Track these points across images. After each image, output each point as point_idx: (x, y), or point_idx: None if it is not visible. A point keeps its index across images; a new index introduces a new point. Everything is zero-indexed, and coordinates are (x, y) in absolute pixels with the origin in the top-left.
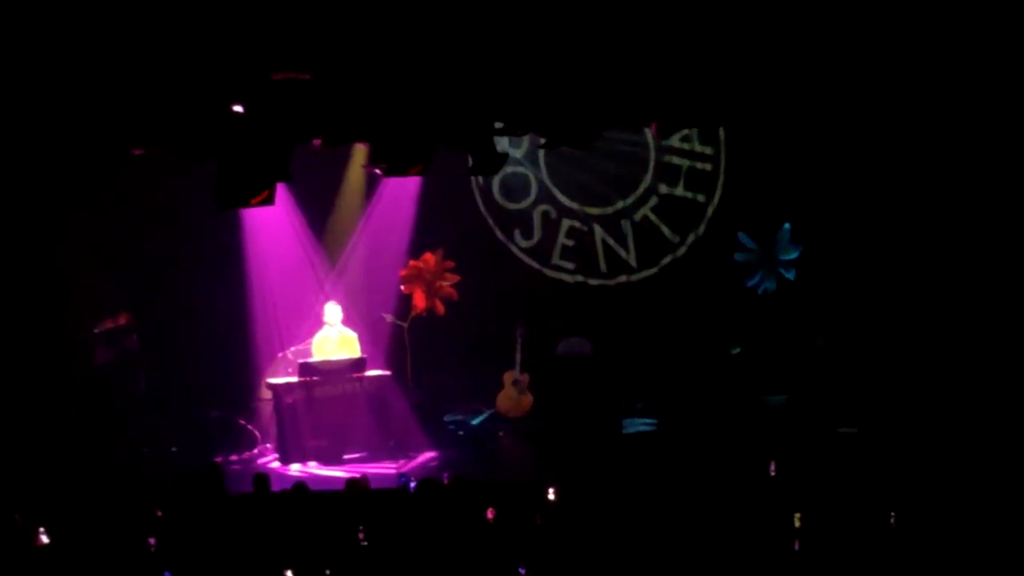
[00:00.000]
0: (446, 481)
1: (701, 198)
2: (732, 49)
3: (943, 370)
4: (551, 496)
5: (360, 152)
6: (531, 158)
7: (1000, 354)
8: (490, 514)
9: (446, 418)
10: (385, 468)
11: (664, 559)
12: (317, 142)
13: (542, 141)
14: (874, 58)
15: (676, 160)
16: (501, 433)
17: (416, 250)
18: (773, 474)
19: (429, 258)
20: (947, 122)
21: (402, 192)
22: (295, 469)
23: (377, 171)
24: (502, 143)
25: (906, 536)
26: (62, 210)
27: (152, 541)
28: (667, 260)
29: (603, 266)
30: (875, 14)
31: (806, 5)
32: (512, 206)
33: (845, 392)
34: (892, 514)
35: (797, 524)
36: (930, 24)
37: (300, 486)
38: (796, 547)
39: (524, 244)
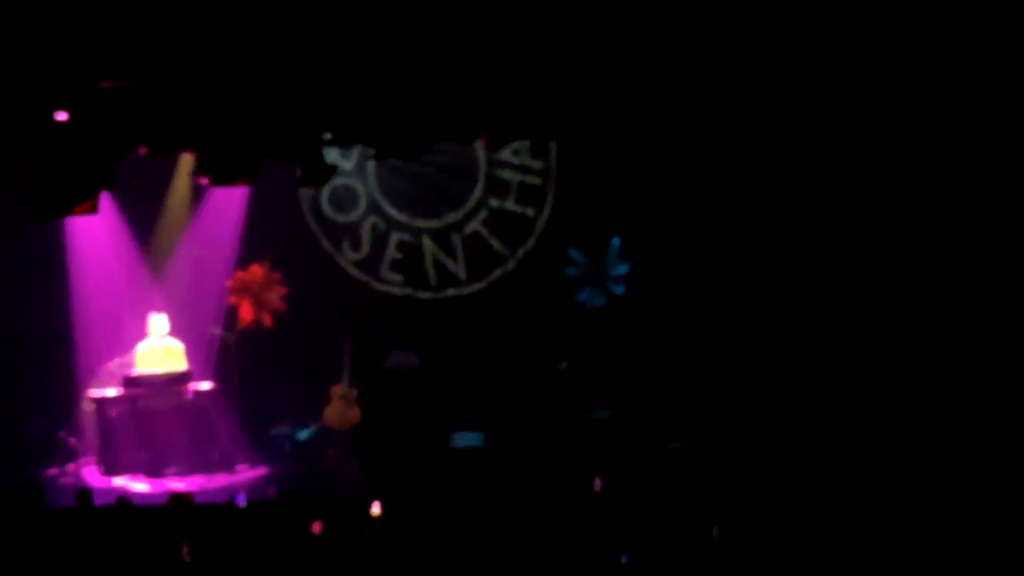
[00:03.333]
0: (272, 496)
1: (531, 212)
2: (562, 64)
3: (772, 384)
4: (376, 511)
5: (187, 161)
6: (360, 170)
7: (830, 366)
8: (317, 529)
9: (273, 432)
10: (210, 482)
11: (490, 573)
12: (143, 151)
13: (372, 153)
14: (700, 73)
15: (506, 174)
16: (328, 447)
17: (243, 261)
18: (599, 490)
19: (256, 270)
20: (767, 132)
21: (229, 202)
22: (118, 483)
23: (204, 181)
24: (331, 154)
25: (731, 550)
26: None
27: None
28: (497, 274)
29: (432, 280)
30: (702, 29)
31: (634, 21)
32: (341, 218)
33: (673, 407)
34: (715, 528)
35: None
36: (759, 32)
37: (123, 501)
38: (623, 561)
39: (353, 257)
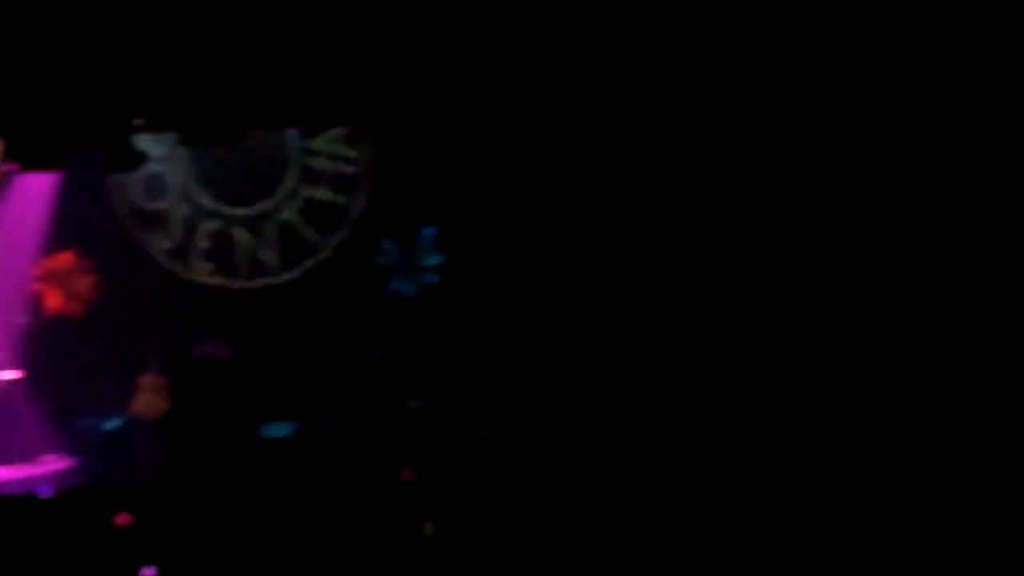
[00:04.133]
0: (78, 486)
1: (345, 201)
2: (378, 52)
3: (584, 371)
4: (188, 500)
5: None
6: (172, 157)
7: (649, 357)
8: (123, 520)
9: (79, 422)
10: (15, 473)
11: (301, 561)
12: None
13: (183, 139)
14: (514, 64)
15: (320, 162)
16: (138, 437)
17: (52, 249)
18: (410, 478)
19: (64, 257)
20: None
21: (37, 188)
22: None
23: (12, 167)
24: (142, 141)
25: (538, 536)
26: None
27: None
28: (310, 263)
29: (245, 269)
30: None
31: (449, 10)
32: (152, 206)
33: (485, 397)
34: (522, 517)
35: (430, 531)
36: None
37: None
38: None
39: (164, 245)
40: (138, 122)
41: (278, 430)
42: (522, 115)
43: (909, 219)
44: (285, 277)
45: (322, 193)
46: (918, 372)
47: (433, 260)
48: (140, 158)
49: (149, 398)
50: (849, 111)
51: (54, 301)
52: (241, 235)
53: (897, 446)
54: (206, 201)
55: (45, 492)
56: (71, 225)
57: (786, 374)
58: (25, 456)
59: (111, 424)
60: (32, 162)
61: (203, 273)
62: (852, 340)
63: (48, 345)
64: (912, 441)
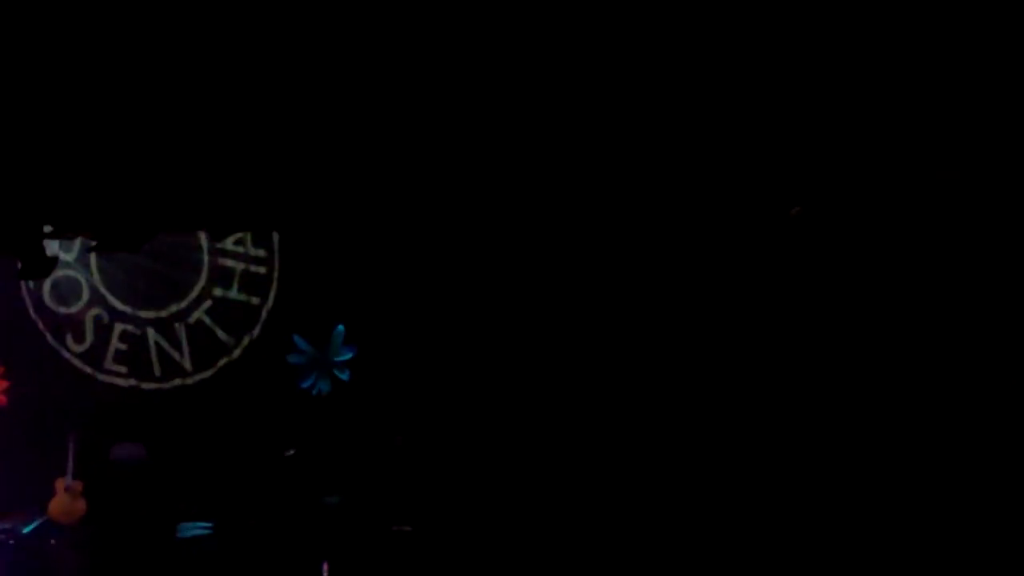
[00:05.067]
0: None
1: (255, 300)
2: (280, 157)
3: (496, 463)
4: None
5: None
6: (83, 261)
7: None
8: None
9: None
10: None
11: None
12: None
13: (93, 244)
14: (412, 158)
15: (230, 262)
16: (53, 541)
17: None
18: (327, 574)
19: None
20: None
21: None
22: None
23: None
24: (52, 246)
25: None
26: None
27: None
28: (223, 362)
29: (157, 370)
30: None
31: (346, 116)
32: (63, 310)
33: (401, 491)
34: None
35: None
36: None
37: None
38: None
39: (76, 348)
40: (47, 228)
41: (195, 529)
42: (430, 210)
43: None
44: (198, 377)
45: (233, 293)
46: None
47: (344, 356)
48: (51, 263)
49: (66, 501)
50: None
51: None
52: (154, 337)
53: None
54: (118, 304)
55: None
56: None
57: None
58: None
59: (28, 528)
60: None
61: (116, 376)
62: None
63: None
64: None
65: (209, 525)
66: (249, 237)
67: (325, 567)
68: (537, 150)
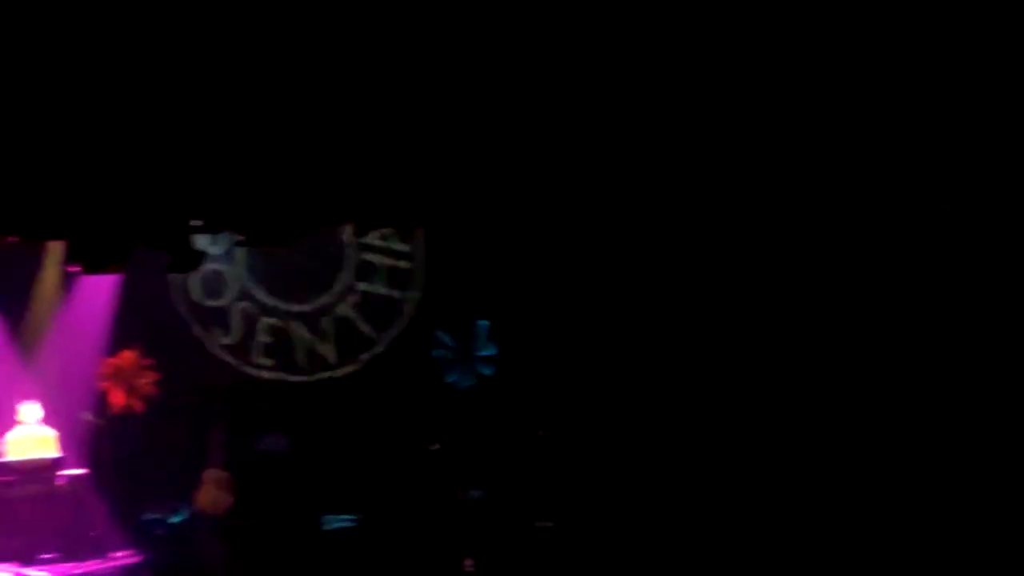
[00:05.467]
0: None
1: (400, 295)
2: (428, 152)
3: (640, 460)
4: None
5: (56, 248)
6: (230, 255)
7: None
8: None
9: (145, 517)
10: (83, 569)
11: None
12: (13, 238)
13: (241, 239)
14: (561, 159)
15: (375, 257)
16: (201, 531)
17: (114, 347)
18: (470, 570)
19: (127, 355)
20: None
21: (100, 288)
22: None
23: (75, 269)
24: (201, 240)
25: None
26: None
27: None
28: (366, 357)
29: (303, 363)
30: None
31: (493, 112)
32: (211, 303)
33: (543, 486)
34: None
35: None
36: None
37: None
38: None
39: (224, 341)
40: (196, 223)
41: (339, 522)
42: (576, 208)
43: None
44: (343, 371)
45: (377, 288)
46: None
47: (487, 352)
48: (199, 257)
49: (212, 493)
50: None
51: (118, 398)
52: (299, 330)
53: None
54: (264, 298)
55: None
56: (133, 324)
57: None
58: (92, 551)
59: (176, 519)
60: (94, 264)
61: (263, 368)
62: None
63: (113, 442)
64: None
65: (353, 518)
66: (394, 233)
67: (468, 562)
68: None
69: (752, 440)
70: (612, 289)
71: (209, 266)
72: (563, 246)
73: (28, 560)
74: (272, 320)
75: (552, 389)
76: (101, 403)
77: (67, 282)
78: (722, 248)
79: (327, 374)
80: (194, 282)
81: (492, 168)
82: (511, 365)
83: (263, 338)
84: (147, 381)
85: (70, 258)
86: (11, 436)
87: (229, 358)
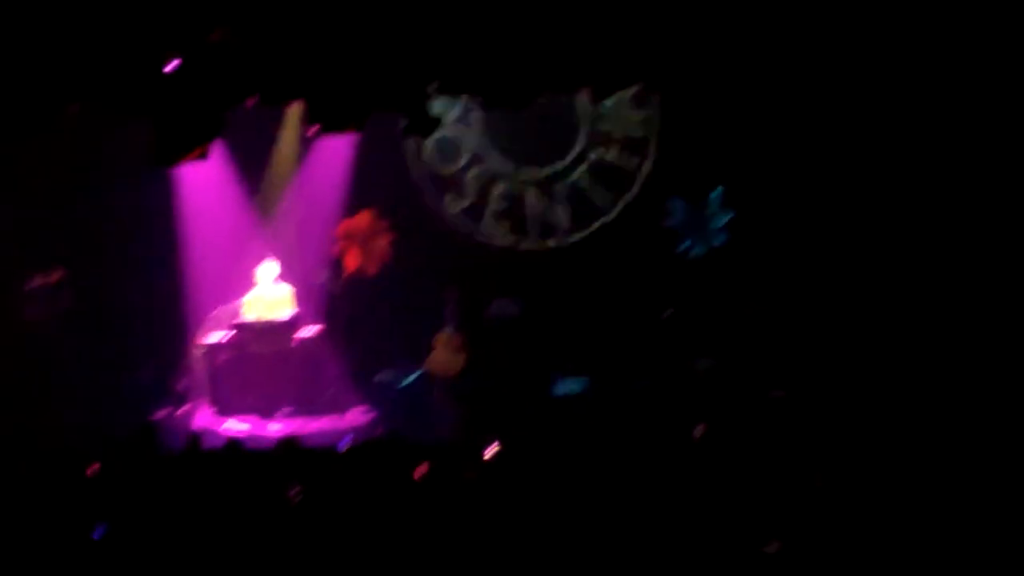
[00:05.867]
0: (378, 439)
1: (633, 162)
2: (666, 14)
3: (874, 334)
4: (486, 454)
5: (295, 111)
6: (465, 120)
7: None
8: (420, 472)
9: (378, 377)
10: (318, 426)
11: (591, 517)
12: (252, 101)
13: (477, 103)
14: (807, 20)
15: (610, 125)
16: (432, 393)
17: (350, 209)
18: (699, 437)
19: (363, 218)
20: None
21: (336, 151)
22: (228, 427)
23: (312, 130)
24: (437, 105)
25: (831, 498)
26: None
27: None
28: (599, 224)
29: (535, 229)
30: None
31: None
32: (445, 168)
33: (775, 356)
34: (818, 476)
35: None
36: None
37: (232, 443)
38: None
39: (457, 207)
40: (433, 86)
41: (569, 387)
42: (809, 71)
43: None
44: (575, 237)
45: (611, 155)
46: None
47: (722, 220)
48: (435, 122)
49: (444, 355)
50: None
51: (353, 260)
52: (532, 196)
53: None
54: (498, 164)
55: (345, 444)
56: (368, 187)
57: None
58: (327, 409)
59: (408, 380)
60: (332, 124)
61: (495, 234)
62: None
63: (347, 303)
64: None
65: (583, 383)
66: (629, 98)
67: (699, 429)
68: None
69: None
70: (852, 152)
71: (444, 131)
72: (800, 110)
73: (266, 415)
74: (505, 186)
75: (787, 258)
76: (336, 265)
77: (305, 145)
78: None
79: (559, 241)
80: (429, 147)
81: (729, 29)
82: (745, 233)
83: (496, 204)
84: (382, 243)
85: (308, 119)
86: (249, 296)
87: (462, 223)
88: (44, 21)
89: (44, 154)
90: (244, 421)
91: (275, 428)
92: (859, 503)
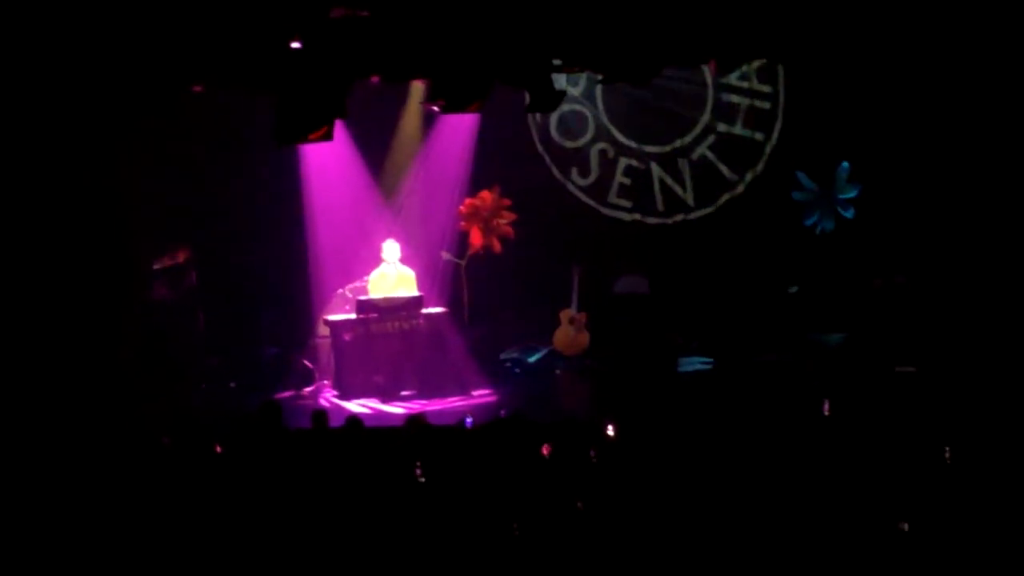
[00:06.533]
0: (503, 417)
1: (759, 136)
2: None
3: (1002, 311)
4: (609, 432)
5: (418, 89)
6: (589, 96)
7: None
8: (546, 450)
9: (503, 356)
10: (444, 404)
11: (717, 496)
12: (375, 79)
13: (600, 78)
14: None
15: (734, 98)
16: (558, 371)
17: (473, 188)
18: (827, 413)
19: (486, 195)
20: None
21: (459, 129)
22: (353, 405)
23: (435, 108)
24: (560, 80)
25: (963, 472)
26: (122, 145)
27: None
28: (725, 199)
29: (660, 205)
30: None
31: None
32: (569, 144)
33: (903, 332)
34: (947, 450)
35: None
36: None
37: (354, 421)
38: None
39: (581, 182)
40: (556, 62)
41: (695, 364)
42: (936, 45)
43: None
44: (700, 213)
45: (737, 129)
46: None
47: (849, 194)
48: (559, 97)
49: (570, 333)
50: None
51: (476, 239)
52: (657, 171)
53: None
54: (622, 139)
55: (470, 422)
56: (492, 165)
57: None
58: (453, 388)
59: (534, 358)
60: (454, 102)
61: (620, 210)
62: None
63: (471, 281)
64: None
65: (709, 361)
66: (755, 72)
67: (827, 405)
68: None
69: None
70: (981, 127)
71: (568, 106)
72: (927, 84)
73: (390, 396)
74: (630, 161)
75: (915, 233)
76: (460, 243)
77: (428, 123)
78: None
79: (684, 216)
80: (553, 122)
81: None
82: (873, 208)
83: (621, 179)
84: (505, 221)
85: (431, 96)
86: (374, 275)
87: (587, 199)
88: (170, 3)
89: (169, 135)
90: (369, 400)
91: (400, 407)
92: (988, 480)
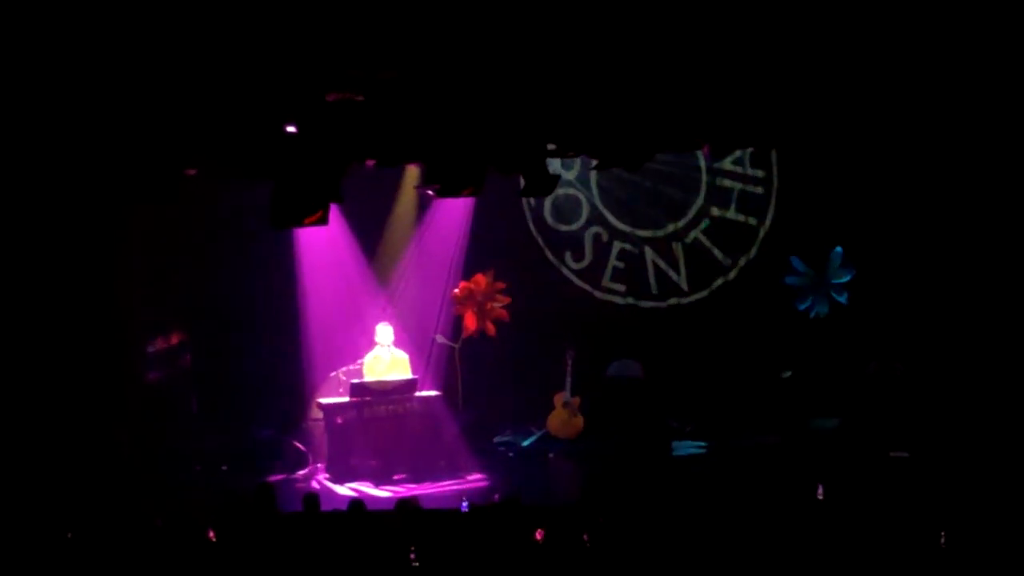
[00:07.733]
0: (496, 502)
1: (753, 221)
2: (783, 72)
3: (996, 395)
4: (601, 517)
5: (412, 173)
6: (583, 180)
7: None
8: (539, 535)
9: (496, 439)
10: (435, 488)
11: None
12: (370, 162)
13: (594, 163)
14: (926, 83)
15: (728, 183)
16: (551, 455)
17: (467, 271)
18: (821, 498)
19: (480, 279)
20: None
21: (454, 213)
22: (344, 489)
23: (429, 192)
24: (554, 165)
25: (957, 557)
26: (117, 229)
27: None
28: (718, 283)
29: (654, 288)
30: (930, 45)
31: (855, 31)
32: (563, 228)
33: (897, 417)
34: (942, 535)
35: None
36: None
37: (357, 504)
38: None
39: (575, 266)
40: (551, 147)
41: (689, 448)
42: (927, 131)
43: None
44: (694, 297)
45: (730, 213)
46: None
47: (843, 278)
48: (553, 181)
49: (564, 416)
50: None
51: (470, 322)
52: (650, 255)
53: None
54: (616, 223)
55: (464, 507)
56: (486, 248)
57: None
58: (446, 472)
59: (527, 441)
60: (448, 187)
61: (614, 293)
62: None
63: (465, 365)
64: None
65: (704, 445)
66: (748, 157)
67: (820, 490)
68: None
69: None
70: (973, 212)
71: (562, 190)
72: (920, 169)
73: (385, 480)
74: (624, 245)
75: (910, 317)
76: (454, 326)
77: (422, 206)
78: None
79: (678, 300)
80: (547, 206)
81: (846, 87)
82: (867, 292)
83: (615, 263)
84: (500, 305)
85: (426, 181)
86: (368, 358)
87: (580, 283)
88: (162, 85)
89: (164, 218)
90: (363, 484)
91: (393, 491)
92: (983, 566)
